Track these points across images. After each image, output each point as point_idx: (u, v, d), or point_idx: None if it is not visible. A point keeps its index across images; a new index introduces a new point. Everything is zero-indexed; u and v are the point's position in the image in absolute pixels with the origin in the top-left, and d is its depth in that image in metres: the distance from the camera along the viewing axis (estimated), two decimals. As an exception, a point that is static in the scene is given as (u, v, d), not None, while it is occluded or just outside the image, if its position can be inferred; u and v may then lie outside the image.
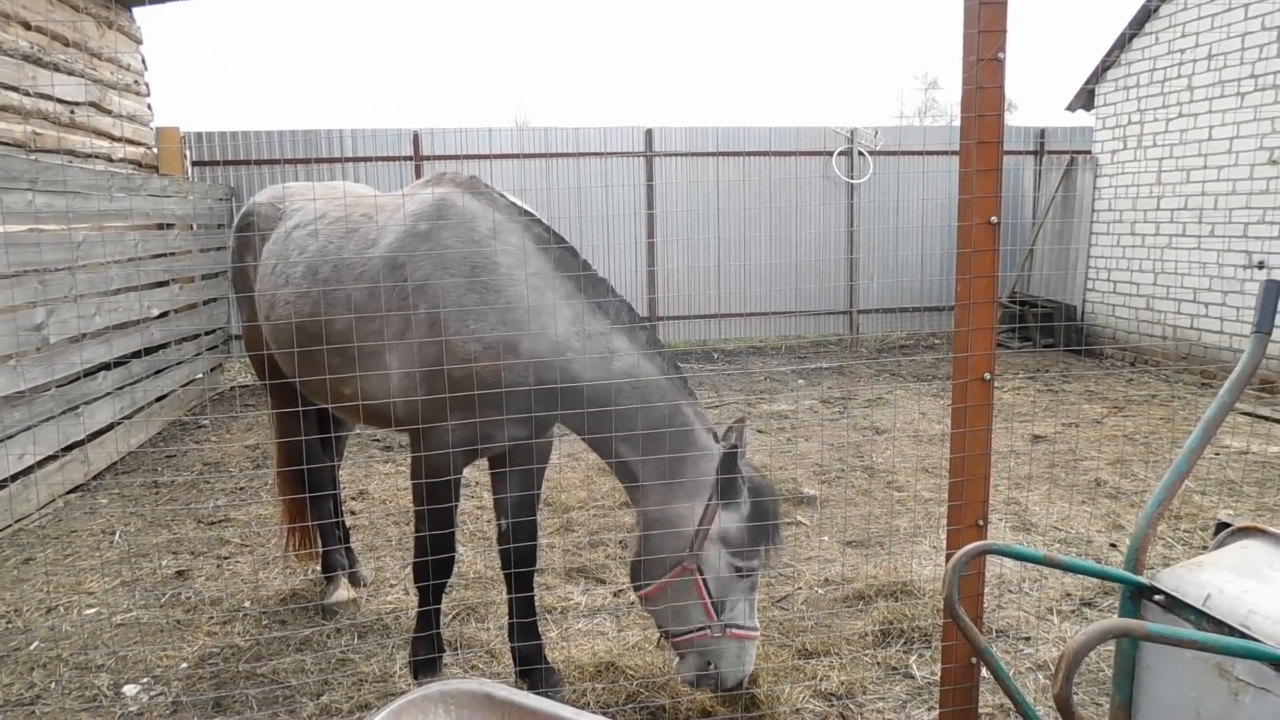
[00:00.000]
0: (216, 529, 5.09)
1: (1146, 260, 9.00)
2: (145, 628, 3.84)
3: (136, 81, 8.90)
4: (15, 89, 6.52)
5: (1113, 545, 4.43)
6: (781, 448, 6.42)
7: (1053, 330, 9.93)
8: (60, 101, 7.20)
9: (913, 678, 3.25)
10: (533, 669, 3.10)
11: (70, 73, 7.42)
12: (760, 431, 6.96)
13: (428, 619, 3.03)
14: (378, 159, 9.90)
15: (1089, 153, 9.94)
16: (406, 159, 9.94)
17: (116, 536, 5.01)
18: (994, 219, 2.13)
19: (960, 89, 2.12)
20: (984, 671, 2.55)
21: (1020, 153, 11.17)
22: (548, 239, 2.81)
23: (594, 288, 2.77)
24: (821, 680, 3.19)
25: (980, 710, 2.65)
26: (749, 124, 10.75)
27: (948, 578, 2.08)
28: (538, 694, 3.03)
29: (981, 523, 2.29)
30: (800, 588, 4.03)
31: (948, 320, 11.31)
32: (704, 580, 2.67)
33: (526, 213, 2.89)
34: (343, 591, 3.90)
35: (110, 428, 6.49)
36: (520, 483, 3.04)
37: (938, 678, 3.20)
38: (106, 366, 6.37)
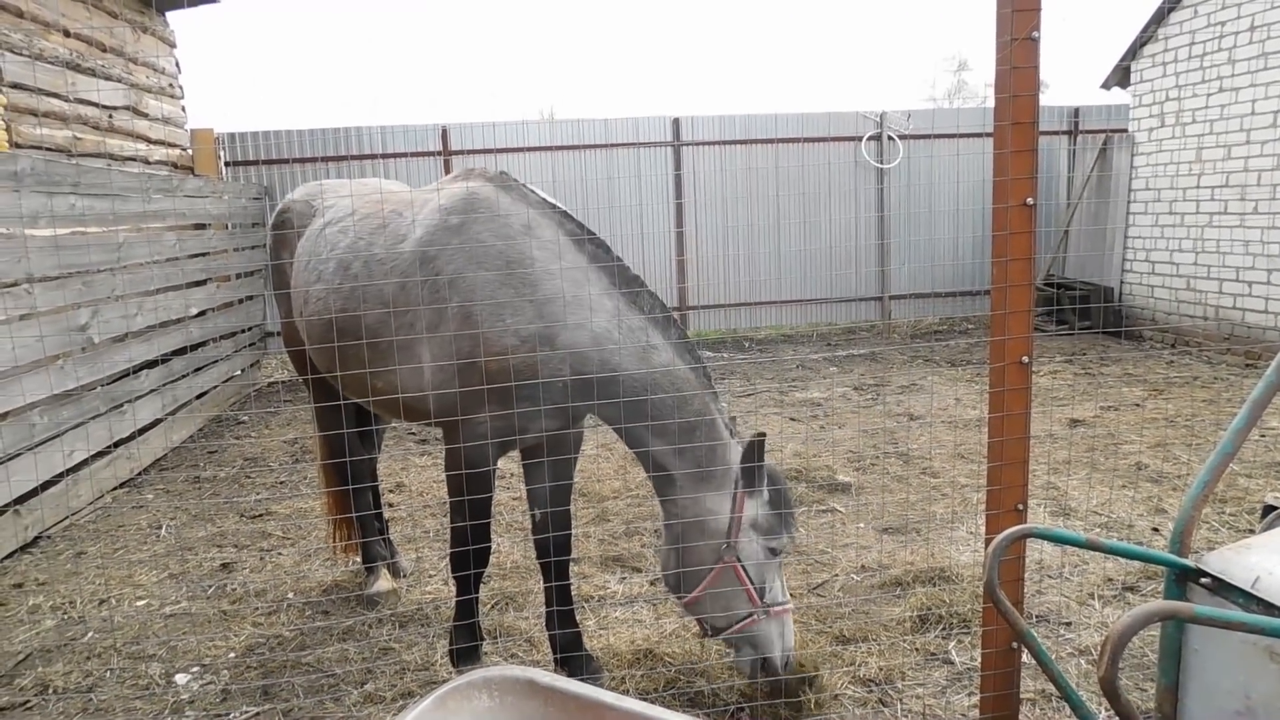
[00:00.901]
0: (259, 522, 5.20)
1: (1186, 239, 8.81)
2: (194, 618, 3.93)
3: (171, 85, 9.05)
4: (57, 95, 6.68)
5: (1155, 530, 4.36)
6: (815, 435, 6.40)
7: (1089, 313, 9.77)
8: (99, 106, 7.35)
9: (952, 663, 3.23)
10: (572, 656, 3.14)
11: (108, 78, 7.57)
12: (793, 419, 6.94)
13: (467, 608, 3.08)
14: (408, 155, 9.99)
15: (1125, 131, 9.74)
16: (436, 154, 10.02)
17: (163, 530, 5.14)
18: (1030, 201, 2.11)
19: (994, 70, 2.09)
20: (1025, 656, 2.54)
21: (1054, 133, 10.98)
22: (581, 234, 2.83)
23: (628, 281, 2.79)
24: (860, 666, 3.19)
25: (1021, 695, 2.63)
26: (777, 110, 10.68)
27: (988, 562, 2.07)
28: (578, 681, 3.08)
29: (1021, 507, 2.27)
30: (837, 575, 4.02)
31: (981, 304, 11.17)
32: (744, 568, 2.72)
33: (557, 208, 2.91)
34: (383, 582, 3.96)
35: (154, 424, 6.64)
36: (554, 473, 3.07)
37: (977, 663, 3.19)
38: (150, 365, 6.52)
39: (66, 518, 5.32)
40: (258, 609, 3.99)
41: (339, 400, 3.51)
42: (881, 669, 3.16)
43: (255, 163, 9.87)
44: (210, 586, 4.28)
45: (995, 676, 2.32)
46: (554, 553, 3.11)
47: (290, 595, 4.12)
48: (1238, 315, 8.23)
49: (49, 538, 5.09)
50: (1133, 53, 9.39)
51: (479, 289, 2.68)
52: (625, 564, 4.24)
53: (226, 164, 9.79)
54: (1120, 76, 9.67)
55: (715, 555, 2.74)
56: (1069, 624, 3.47)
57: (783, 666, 2.80)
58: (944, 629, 3.44)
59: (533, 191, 2.93)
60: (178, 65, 9.25)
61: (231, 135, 9.84)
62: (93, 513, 5.52)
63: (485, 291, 2.67)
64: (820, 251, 10.87)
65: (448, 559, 4.21)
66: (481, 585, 4.01)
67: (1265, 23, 7.77)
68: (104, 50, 7.58)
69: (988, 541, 2.28)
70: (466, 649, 3.09)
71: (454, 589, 3.96)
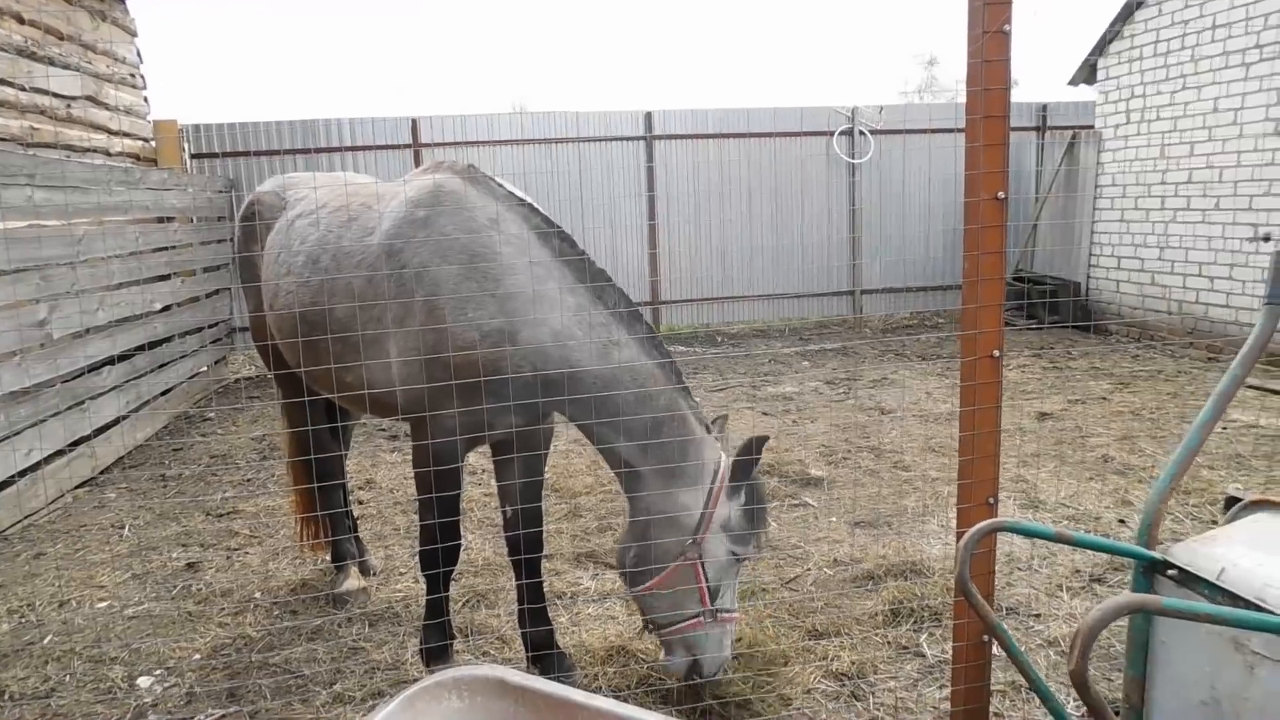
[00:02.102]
0: (225, 521, 5.11)
1: (1151, 235, 8.95)
2: (157, 620, 3.85)
3: (133, 74, 8.85)
4: (10, 84, 6.50)
5: (1122, 521, 4.42)
6: (787, 430, 6.41)
7: (1057, 307, 9.89)
8: (56, 96, 7.16)
9: (924, 656, 3.25)
10: (544, 654, 3.11)
11: (65, 66, 7.38)
12: (765, 414, 6.96)
13: (437, 606, 3.04)
14: (377, 148, 9.86)
15: (1092, 128, 9.87)
16: (406, 147, 9.90)
17: (126, 530, 5.03)
18: (1001, 195, 2.11)
19: (966, 63, 2.09)
20: (995, 649, 2.55)
21: (1023, 129, 11.09)
22: (547, 228, 2.80)
23: (593, 276, 2.76)
24: (832, 661, 3.19)
25: (992, 688, 2.65)
26: (749, 105, 10.69)
27: (959, 555, 2.07)
28: (550, 679, 3.05)
29: (992, 500, 2.28)
30: (809, 569, 4.03)
31: (951, 299, 11.28)
32: (703, 567, 2.72)
33: (525, 202, 2.87)
34: (353, 580, 3.91)
35: (116, 422, 6.50)
36: (524, 469, 3.04)
37: (949, 656, 3.22)
38: (111, 361, 6.38)
39: (24, 519, 5.19)
40: (223, 609, 3.92)
41: (307, 396, 3.45)
42: (854, 663, 3.17)
43: (220, 155, 9.69)
44: (175, 587, 4.20)
45: (967, 669, 2.33)
46: (525, 550, 3.08)
47: (257, 595, 4.05)
48: (1200, 310, 8.38)
49: (5, 539, 4.96)
50: (1099, 50, 9.51)
51: (443, 283, 2.64)
52: (598, 560, 4.22)
53: (191, 156, 9.60)
54: (1087, 73, 9.79)
55: (678, 551, 2.73)
56: (1038, 616, 3.51)
57: (712, 674, 2.80)
58: (915, 622, 3.45)
59: (500, 185, 2.89)
60: (139, 54, 9.05)
61: (196, 127, 9.65)
62: (51, 513, 5.39)
63: (449, 285, 2.63)
64: (792, 246, 10.91)
65: (417, 556, 4.19)
66: (452, 583, 3.97)
67: (1227, 21, 7.91)
68: (61, 38, 7.39)
69: (959, 535, 2.29)
70: (437, 648, 3.06)
71: (424, 587, 3.94)
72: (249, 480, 5.91)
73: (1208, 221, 8.24)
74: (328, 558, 4.27)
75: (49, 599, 4.12)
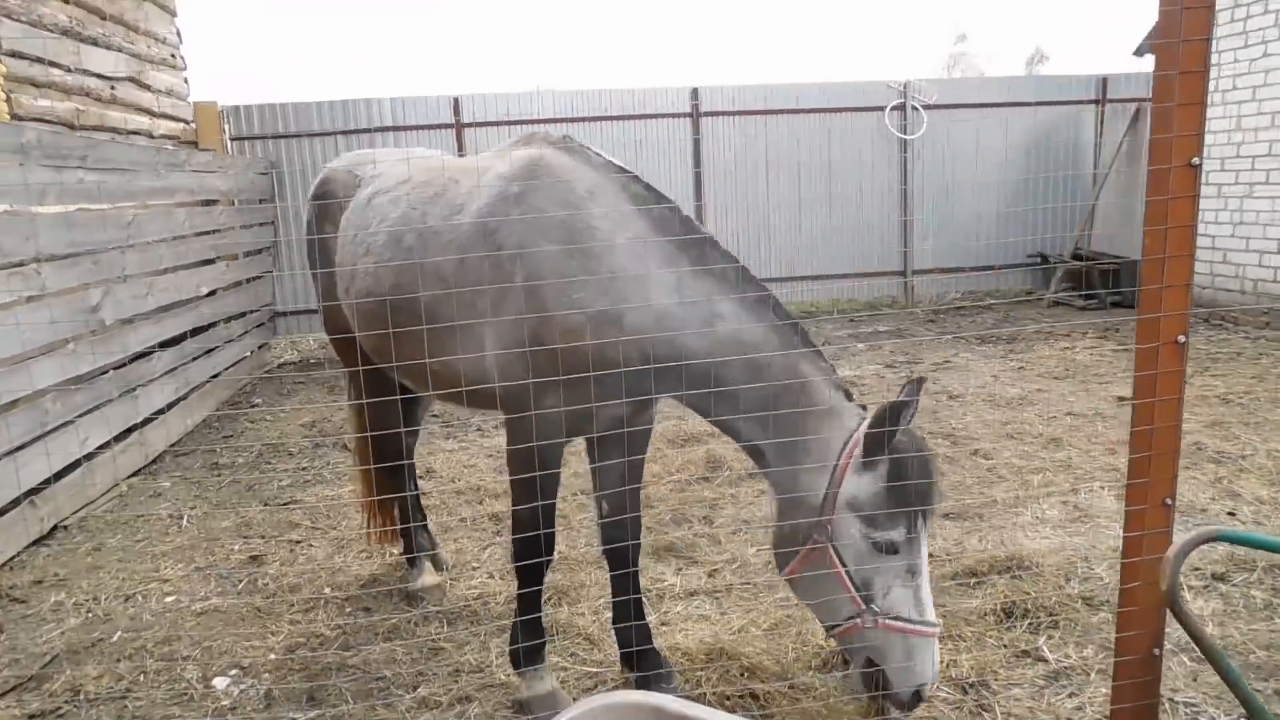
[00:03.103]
0: (285, 511, 4.98)
1: (1224, 211, 8.57)
2: (226, 616, 3.73)
3: (173, 55, 8.72)
4: (58, 65, 6.37)
5: (1231, 513, 4.16)
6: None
7: (1119, 287, 9.53)
8: (100, 77, 7.04)
9: (1045, 661, 3.04)
10: (642, 656, 2.93)
11: (109, 47, 7.25)
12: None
13: (528, 605, 2.85)
14: (418, 127, 9.67)
15: (1158, 99, 9.44)
16: (447, 126, 9.71)
17: (185, 521, 4.92)
18: (1195, 161, 1.88)
19: (1158, 11, 1.85)
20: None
21: (1081, 102, 10.68)
22: (647, 198, 2.58)
23: (697, 248, 2.53)
24: (949, 665, 2.99)
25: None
26: (798, 80, 10.38)
27: (1169, 568, 1.86)
28: (649, 681, 2.88)
29: (1169, 501, 2.06)
30: (904, 565, 3.82)
31: (1003, 280, 10.94)
32: (839, 555, 2.39)
33: (623, 170, 2.66)
34: (428, 576, 3.75)
35: (168, 408, 6.41)
36: (625, 454, 2.84)
37: (1073, 661, 3.01)
38: (162, 347, 6.27)
39: (83, 508, 5.10)
40: (293, 605, 3.78)
41: (384, 383, 3.28)
42: (973, 668, 2.96)
43: (261, 137, 9.55)
44: (240, 581, 4.07)
45: (1132, 686, 2.11)
46: (623, 541, 2.89)
47: (327, 590, 3.91)
48: (1278, 289, 8.02)
49: (65, 529, 4.87)
50: (1168, 17, 9.07)
51: (544, 262, 2.43)
52: (679, 554, 4.03)
53: (231, 139, 9.47)
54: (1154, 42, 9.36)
55: (805, 534, 2.43)
56: (1163, 617, 3.28)
57: (902, 697, 2.39)
58: (1031, 624, 3.24)
59: (598, 154, 2.68)
60: (179, 35, 8.91)
61: (235, 108, 9.51)
62: (108, 502, 5.30)
63: (549, 265, 2.43)
64: (842, 225, 10.60)
65: (497, 551, 4.03)
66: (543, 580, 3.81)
67: (1312, -16, 7.49)
68: (104, 18, 7.26)
69: (1136, 541, 2.07)
70: (530, 649, 2.88)
71: (504, 583, 3.78)
72: (304, 469, 5.78)
73: (1288, 196, 7.86)
74: (396, 551, 4.13)
75: (114, 592, 4.01)
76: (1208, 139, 8.38)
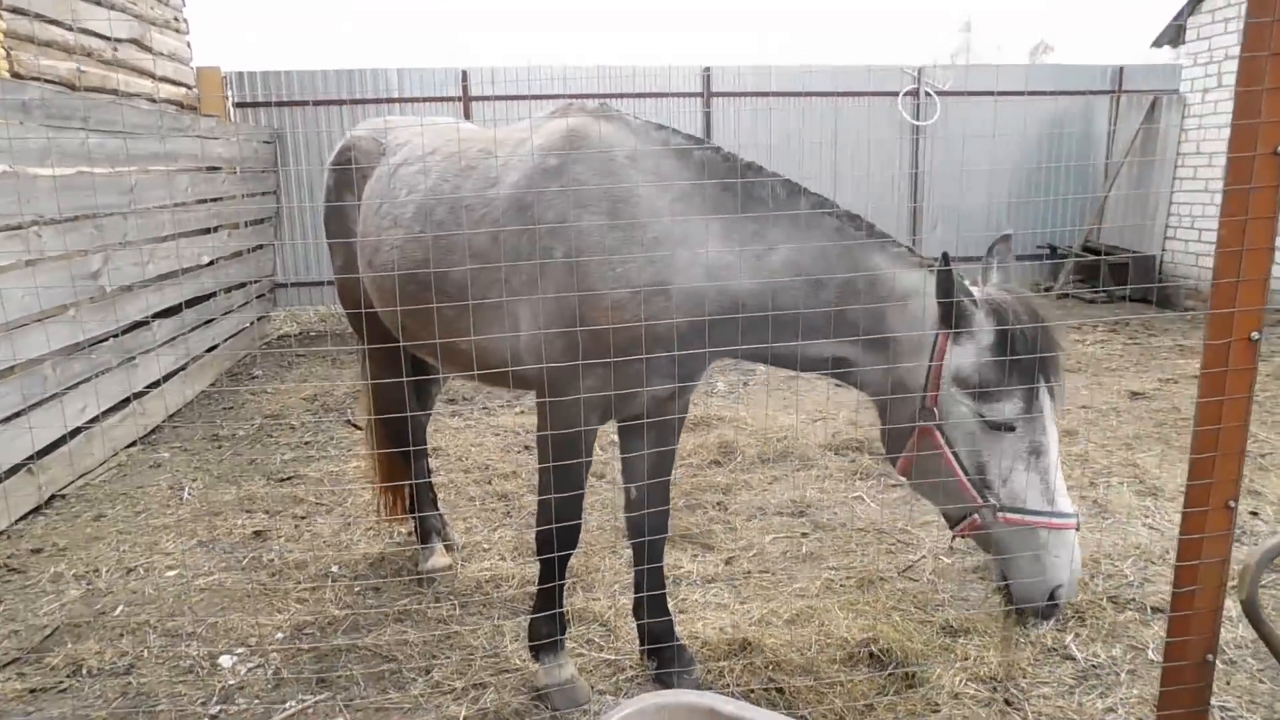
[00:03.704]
0: (288, 486, 4.88)
1: (1238, 207, 8.47)
2: (230, 592, 3.64)
3: (176, 18, 8.52)
4: (58, 23, 6.19)
5: (1254, 513, 4.11)
6: (865, 403, 6.09)
7: (1127, 281, 9.46)
8: (103, 38, 6.85)
9: (1074, 659, 2.98)
10: (664, 647, 2.86)
11: (111, 7, 7.05)
12: (837, 386, 6.62)
13: (549, 594, 2.77)
14: (425, 99, 9.49)
15: (1176, 92, 9.35)
16: (455, 99, 9.53)
17: (186, 493, 4.82)
18: (1281, 147, 1.78)
19: (1250, -15, 1.75)
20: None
21: (1096, 93, 10.55)
22: (688, 148, 2.46)
23: (742, 182, 2.39)
24: (976, 662, 2.93)
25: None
26: (810, 62, 10.21)
27: (1249, 575, 1.78)
28: (670, 673, 2.80)
29: (1232, 504, 1.98)
30: (924, 556, 3.76)
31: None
32: (946, 436, 2.19)
33: (663, 128, 2.56)
34: (440, 557, 3.67)
35: (168, 378, 6.29)
36: (656, 440, 2.75)
37: (1101, 660, 2.95)
38: (163, 315, 6.14)
39: (81, 476, 4.99)
40: (300, 583, 3.69)
41: (399, 358, 3.17)
42: (1000, 665, 2.90)
43: (264, 104, 9.36)
44: (244, 556, 3.98)
45: (1183, 693, 2.04)
46: (650, 533, 2.81)
47: (334, 568, 3.82)
48: (1291, 287, 7.94)
49: (64, 497, 4.77)
50: (1190, 8, 8.96)
51: (584, 235, 2.33)
52: (695, 540, 3.96)
53: (235, 105, 9.28)
54: (1174, 34, 9.26)
55: (910, 415, 2.24)
56: (1191, 617, 3.22)
57: (1041, 609, 2.18)
58: (1057, 620, 3.17)
59: (636, 118, 2.58)
60: (182, -2, 8.70)
61: (239, 74, 9.32)
62: (106, 472, 5.19)
63: (591, 239, 2.32)
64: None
65: (514, 534, 3.94)
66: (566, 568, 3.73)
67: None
68: (106, -24, 7.05)
69: (1193, 544, 2.00)
70: (550, 642, 2.80)
71: (518, 566, 3.69)
72: (307, 443, 5.69)
73: (1304, 193, 7.76)
74: (404, 530, 4.05)
75: (114, 565, 3.92)
76: (1225, 132, 8.28)
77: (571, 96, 9.50)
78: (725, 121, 10.12)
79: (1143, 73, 10.66)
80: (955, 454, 2.20)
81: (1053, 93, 10.37)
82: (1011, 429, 2.14)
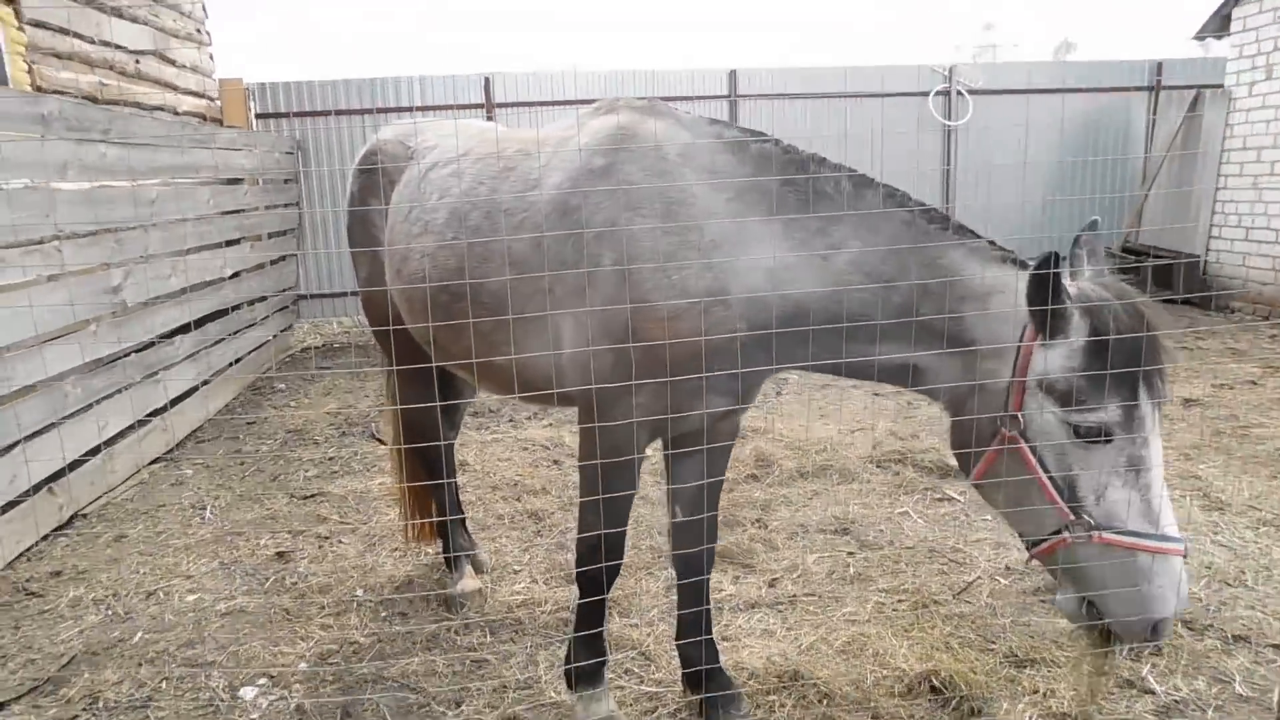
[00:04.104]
0: (312, 504, 4.75)
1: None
2: (253, 618, 3.50)
3: (198, 30, 8.49)
4: (80, 36, 6.14)
5: (1332, 528, 3.85)
6: (905, 412, 5.88)
7: (1172, 282, 9.14)
8: (126, 51, 6.80)
9: (1153, 693, 2.75)
10: (709, 677, 2.67)
11: (134, 19, 7.01)
12: (876, 394, 6.42)
13: (589, 621, 2.59)
14: (448, 107, 9.39)
15: (1220, 86, 9.04)
16: (478, 106, 9.43)
17: (208, 512, 4.69)
18: None
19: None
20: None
21: (1134, 89, 10.25)
22: (745, 141, 2.28)
23: (804, 174, 2.19)
24: (1045, 695, 2.71)
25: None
26: (838, 64, 10.02)
27: None
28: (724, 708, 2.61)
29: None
30: (979, 578, 3.54)
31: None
32: (1034, 450, 1.98)
33: (715, 122, 2.39)
34: (469, 580, 3.50)
35: (190, 393, 6.20)
36: (707, 462, 2.56)
37: (1184, 694, 2.72)
38: (185, 329, 6.05)
39: (103, 495, 4.89)
40: (324, 608, 3.55)
41: (428, 375, 3.02)
42: (1077, 700, 2.68)
43: (286, 115, 9.31)
44: (267, 579, 3.85)
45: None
46: (696, 560, 2.62)
47: (359, 592, 3.67)
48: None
49: (85, 517, 4.66)
50: (1234, -1, 8.66)
51: (636, 241, 2.15)
52: (735, 560, 3.76)
53: (257, 116, 9.23)
54: (1218, 25, 8.95)
55: (991, 430, 2.05)
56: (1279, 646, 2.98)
57: (1140, 639, 1.96)
58: (1134, 650, 2.94)
59: (687, 113, 2.41)
60: (204, 10, 8.67)
61: (261, 86, 9.28)
62: (129, 490, 5.09)
63: (644, 244, 2.15)
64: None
65: (546, 554, 3.76)
66: (574, 584, 3.55)
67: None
68: (128, -11, 7.02)
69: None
70: (589, 669, 2.62)
71: (561, 590, 3.52)
72: (331, 459, 5.56)
73: (1361, 189, 7.45)
74: (432, 550, 3.89)
75: (135, 588, 3.80)
76: (1275, 126, 7.97)
77: (592, 102, 9.35)
78: (753, 124, 9.94)
79: (1182, 67, 10.35)
80: (1042, 465, 1.99)
81: (1090, 89, 10.10)
82: (1107, 440, 1.93)
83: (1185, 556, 1.95)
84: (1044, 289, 1.90)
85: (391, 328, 3.01)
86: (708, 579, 2.71)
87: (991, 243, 2.15)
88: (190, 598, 3.70)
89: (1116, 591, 1.95)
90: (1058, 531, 2.00)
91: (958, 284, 2.09)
